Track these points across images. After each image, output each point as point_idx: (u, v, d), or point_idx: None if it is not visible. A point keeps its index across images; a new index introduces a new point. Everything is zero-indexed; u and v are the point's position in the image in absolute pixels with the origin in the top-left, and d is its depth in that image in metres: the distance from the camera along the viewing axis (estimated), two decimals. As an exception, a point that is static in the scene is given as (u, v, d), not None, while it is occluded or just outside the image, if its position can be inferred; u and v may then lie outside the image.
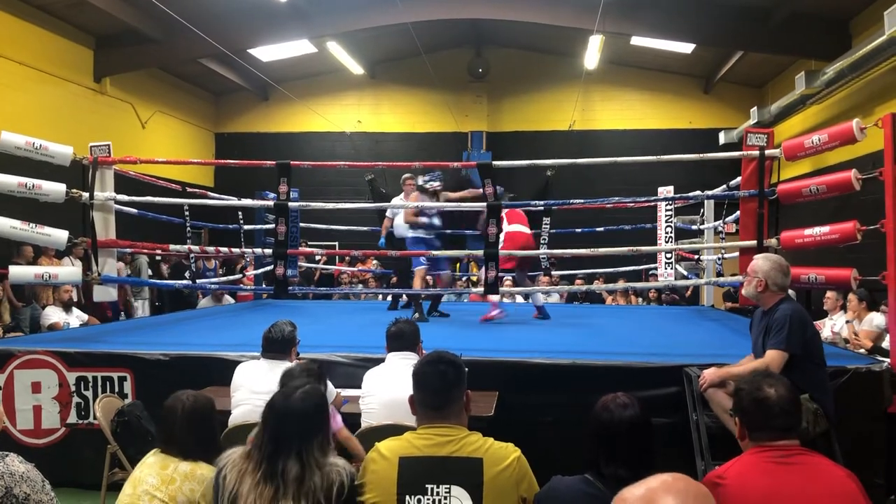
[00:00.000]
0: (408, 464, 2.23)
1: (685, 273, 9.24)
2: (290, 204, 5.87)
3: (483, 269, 5.53)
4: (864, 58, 9.13)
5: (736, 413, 2.36)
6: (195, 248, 6.97)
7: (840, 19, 10.45)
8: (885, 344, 6.20)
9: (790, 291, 4.30)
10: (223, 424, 3.29)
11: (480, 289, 5.92)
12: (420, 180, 7.02)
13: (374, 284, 11.72)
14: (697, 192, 7.00)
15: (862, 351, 6.23)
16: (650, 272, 10.48)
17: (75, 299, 8.66)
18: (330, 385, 3.74)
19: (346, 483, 2.15)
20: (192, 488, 2.47)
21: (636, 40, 12.79)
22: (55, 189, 5.53)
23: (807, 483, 2.08)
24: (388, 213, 7.77)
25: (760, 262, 3.77)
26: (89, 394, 4.69)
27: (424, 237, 6.94)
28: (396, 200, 7.52)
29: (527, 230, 7.22)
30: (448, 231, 7.20)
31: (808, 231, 4.99)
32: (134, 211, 6.44)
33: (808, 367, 3.52)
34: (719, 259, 8.11)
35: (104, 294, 6.07)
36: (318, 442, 2.19)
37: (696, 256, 9.11)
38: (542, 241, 9.33)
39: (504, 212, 6.39)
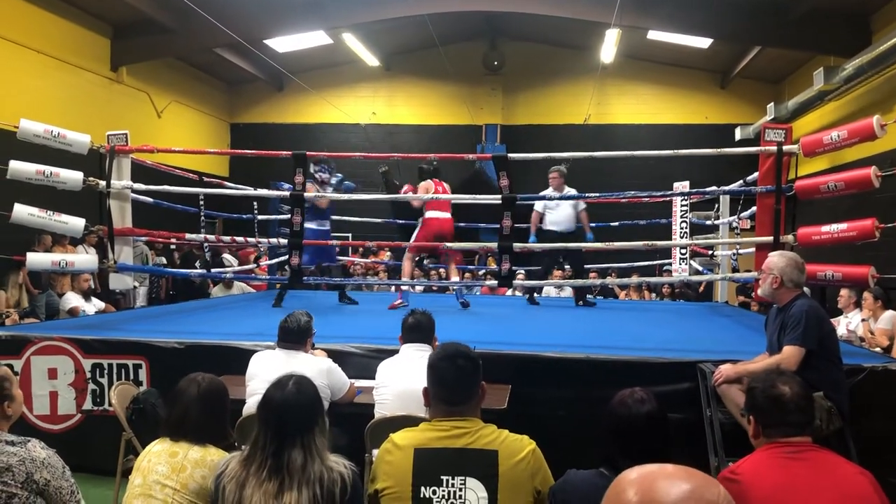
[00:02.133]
0: (423, 455, 2.24)
1: (699, 269, 9.21)
2: (306, 195, 5.89)
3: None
4: (885, 54, 9.01)
5: (750, 411, 2.37)
6: (210, 237, 7.01)
7: (860, 14, 10.32)
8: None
9: (805, 289, 4.27)
10: (234, 412, 3.30)
11: (492, 282, 5.94)
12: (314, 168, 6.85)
13: (383, 276, 11.71)
14: (714, 188, 6.94)
15: (878, 349, 6.20)
16: (664, 268, 10.45)
17: (93, 286, 8.77)
18: (343, 375, 3.77)
19: (350, 484, 2.13)
20: (204, 475, 2.42)
21: (653, 34, 12.70)
22: (73, 177, 5.57)
23: (818, 478, 2.10)
24: (537, 208, 7.69)
25: (776, 258, 3.76)
26: (105, 381, 4.73)
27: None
28: (548, 194, 7.41)
29: (446, 215, 6.96)
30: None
31: (825, 228, 4.95)
32: (150, 200, 6.48)
33: (824, 365, 3.51)
34: (734, 255, 8.08)
35: (120, 282, 6.13)
36: (318, 428, 2.20)
37: (711, 252, 9.07)
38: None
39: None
